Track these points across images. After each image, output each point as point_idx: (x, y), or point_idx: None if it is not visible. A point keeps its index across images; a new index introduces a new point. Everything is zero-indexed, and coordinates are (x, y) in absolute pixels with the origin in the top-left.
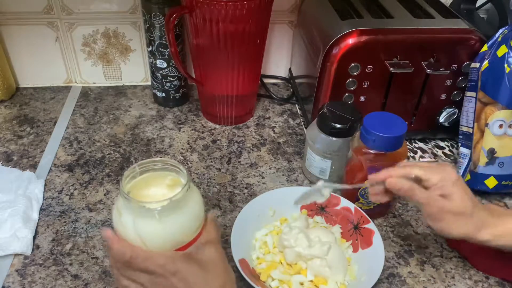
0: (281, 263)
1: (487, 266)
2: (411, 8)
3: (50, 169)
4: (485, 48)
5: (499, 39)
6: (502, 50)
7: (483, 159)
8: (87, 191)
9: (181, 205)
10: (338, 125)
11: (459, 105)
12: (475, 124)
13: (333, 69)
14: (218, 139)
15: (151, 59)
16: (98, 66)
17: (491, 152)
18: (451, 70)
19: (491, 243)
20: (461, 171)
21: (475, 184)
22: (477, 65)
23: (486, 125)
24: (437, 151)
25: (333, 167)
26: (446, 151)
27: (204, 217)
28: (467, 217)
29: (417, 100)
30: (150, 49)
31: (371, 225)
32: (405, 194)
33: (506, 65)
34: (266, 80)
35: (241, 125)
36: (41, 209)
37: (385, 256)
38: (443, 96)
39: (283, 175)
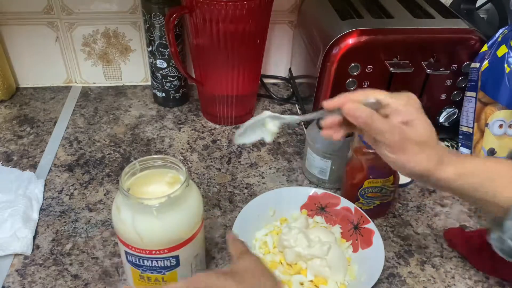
0: (281, 263)
1: (487, 266)
2: (411, 8)
3: (50, 169)
4: (485, 48)
5: (499, 39)
6: (502, 50)
7: None
8: (87, 191)
9: (179, 202)
10: None
11: (459, 105)
12: (475, 124)
13: (333, 69)
14: (218, 139)
15: (151, 59)
16: (98, 66)
17: (491, 152)
18: (451, 70)
19: (450, 183)
20: None
21: None
22: (477, 65)
23: (486, 125)
24: None
25: (333, 167)
26: None
27: (203, 215)
28: (431, 149)
29: None
30: (150, 49)
31: (371, 225)
32: (364, 123)
33: (506, 65)
34: (266, 80)
35: (241, 125)
36: (41, 209)
37: (385, 256)
38: (443, 96)
39: (283, 175)
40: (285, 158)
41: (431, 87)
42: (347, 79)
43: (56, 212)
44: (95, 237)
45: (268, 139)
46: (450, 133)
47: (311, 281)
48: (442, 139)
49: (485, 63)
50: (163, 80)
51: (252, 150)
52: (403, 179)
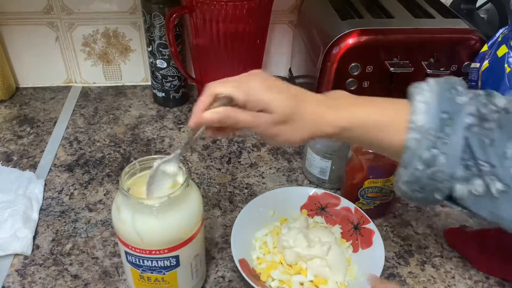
0: (281, 263)
1: (487, 266)
2: (411, 8)
3: (50, 169)
4: (485, 48)
5: (499, 39)
6: (502, 50)
7: None
8: (87, 191)
9: (179, 202)
10: None
11: None
12: None
13: (333, 69)
14: (218, 139)
15: (151, 59)
16: (98, 66)
17: None
18: (451, 70)
19: (341, 136)
20: None
21: None
22: (477, 65)
23: None
24: None
25: (333, 167)
26: None
27: (203, 215)
28: (299, 119)
29: None
30: (150, 49)
31: (371, 225)
32: (228, 124)
33: (506, 65)
34: None
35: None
36: (41, 209)
37: (385, 256)
38: None
39: (283, 175)
40: (285, 158)
41: None
42: (347, 79)
43: (56, 212)
44: (95, 237)
45: (180, 179)
46: None
47: (311, 281)
48: None
49: (485, 63)
50: (163, 80)
51: (252, 150)
52: None
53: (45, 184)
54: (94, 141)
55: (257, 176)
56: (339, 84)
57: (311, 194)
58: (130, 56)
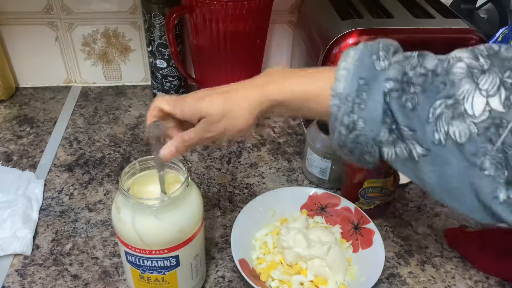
0: (281, 263)
1: (487, 266)
2: (411, 8)
3: (50, 169)
4: None
5: (499, 39)
6: None
7: None
8: (87, 191)
9: (179, 203)
10: None
11: None
12: None
13: None
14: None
15: (151, 59)
16: (98, 66)
17: None
18: None
19: (273, 109)
20: None
21: None
22: None
23: None
24: None
25: (333, 167)
26: None
27: (203, 215)
28: (234, 109)
29: None
30: (150, 49)
31: (371, 225)
32: (187, 148)
33: None
34: None
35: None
36: (41, 209)
37: (385, 256)
38: None
39: (283, 175)
40: (285, 158)
41: None
42: None
43: (56, 212)
44: (95, 237)
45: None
46: None
47: (311, 281)
48: None
49: None
50: (163, 80)
51: (252, 150)
52: (403, 179)
53: (45, 184)
54: (94, 141)
55: (257, 176)
56: None
57: (311, 194)
58: (130, 56)
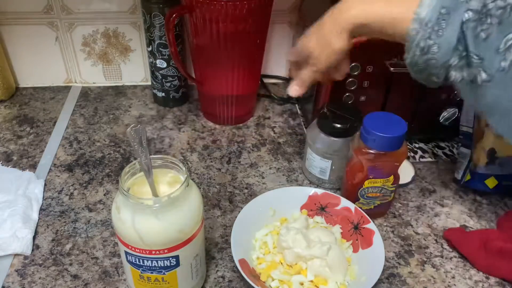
0: (281, 263)
1: (487, 266)
2: None
3: (50, 169)
4: None
5: None
6: None
7: (483, 159)
8: (87, 191)
9: (179, 202)
10: (338, 125)
11: (459, 105)
12: (476, 124)
13: None
14: (218, 139)
15: (151, 59)
16: (98, 66)
17: (491, 152)
18: None
19: (357, 30)
20: (461, 171)
21: (475, 184)
22: None
23: (487, 125)
24: (437, 151)
25: (333, 167)
26: (446, 151)
27: (203, 215)
28: (323, 33)
29: (417, 100)
30: (150, 49)
31: (371, 225)
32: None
33: None
34: (266, 80)
35: (241, 125)
36: (41, 209)
37: (385, 256)
38: (443, 96)
39: (283, 175)
40: (285, 158)
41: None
42: (347, 79)
43: (56, 212)
44: (95, 237)
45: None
46: (450, 133)
47: (311, 281)
48: (442, 139)
49: None
50: (163, 80)
51: (252, 150)
52: (403, 179)
53: (45, 184)
54: (94, 141)
55: (257, 176)
56: (339, 84)
57: (311, 194)
58: (130, 56)
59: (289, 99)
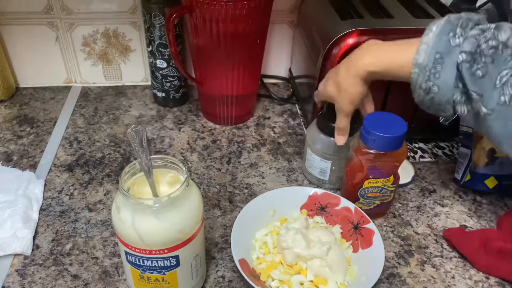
0: (281, 263)
1: (487, 266)
2: (411, 8)
3: (50, 169)
4: None
5: None
6: None
7: (483, 159)
8: (87, 191)
9: (179, 202)
10: None
11: None
12: None
13: None
14: (218, 139)
15: (151, 59)
16: (98, 66)
17: (491, 152)
18: None
19: (368, 77)
20: (461, 171)
21: (475, 184)
22: None
23: None
24: (437, 151)
25: (333, 168)
26: (446, 151)
27: (203, 215)
28: (341, 83)
29: None
30: (150, 49)
31: (371, 225)
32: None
33: None
34: (266, 80)
35: (241, 125)
36: (41, 209)
37: (385, 256)
38: None
39: (283, 175)
40: (285, 158)
41: None
42: None
43: (56, 212)
44: (95, 237)
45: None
46: (450, 133)
47: (311, 281)
48: (442, 139)
49: None
50: (163, 80)
51: (252, 150)
52: (403, 179)
53: (45, 184)
54: (94, 141)
55: (257, 176)
56: None
57: (311, 194)
58: (130, 56)
59: (289, 99)
